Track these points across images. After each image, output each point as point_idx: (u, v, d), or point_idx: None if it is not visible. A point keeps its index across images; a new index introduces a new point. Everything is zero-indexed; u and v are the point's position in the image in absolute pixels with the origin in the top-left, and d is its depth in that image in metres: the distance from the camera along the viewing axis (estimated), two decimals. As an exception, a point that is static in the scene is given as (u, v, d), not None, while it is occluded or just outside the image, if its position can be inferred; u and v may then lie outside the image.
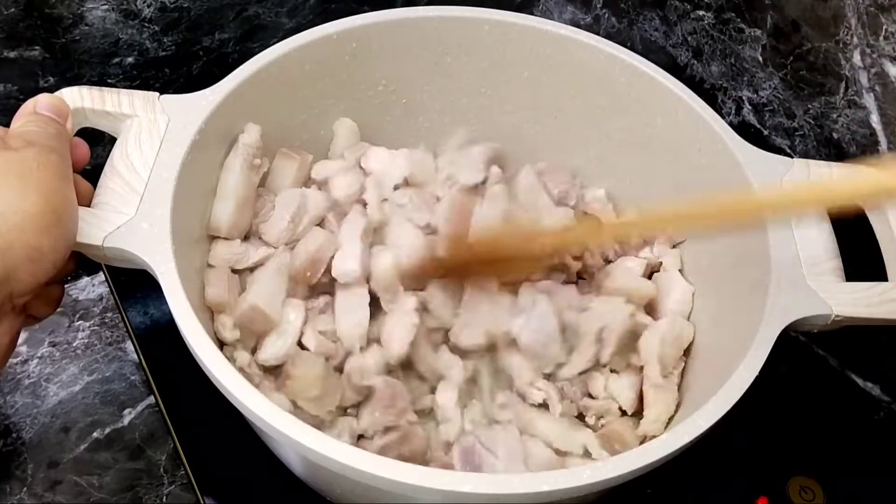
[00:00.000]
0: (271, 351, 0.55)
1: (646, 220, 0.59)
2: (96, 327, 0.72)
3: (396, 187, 0.63)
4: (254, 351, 0.56)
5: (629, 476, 0.42)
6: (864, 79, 0.58)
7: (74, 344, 0.71)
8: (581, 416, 0.57)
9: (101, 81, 0.66)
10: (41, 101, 0.49)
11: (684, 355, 0.58)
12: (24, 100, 0.63)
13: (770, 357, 0.47)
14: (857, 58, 0.58)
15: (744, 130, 0.66)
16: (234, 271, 0.58)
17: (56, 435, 0.65)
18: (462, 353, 0.57)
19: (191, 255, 0.53)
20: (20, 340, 0.70)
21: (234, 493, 0.59)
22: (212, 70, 0.70)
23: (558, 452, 0.53)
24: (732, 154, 0.56)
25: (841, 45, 0.59)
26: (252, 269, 0.58)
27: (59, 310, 0.72)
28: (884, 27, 0.55)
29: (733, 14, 0.66)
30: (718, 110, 0.65)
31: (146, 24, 0.65)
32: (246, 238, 0.60)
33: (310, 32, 0.60)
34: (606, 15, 0.79)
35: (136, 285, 0.69)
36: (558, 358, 0.57)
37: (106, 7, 0.62)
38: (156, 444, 0.65)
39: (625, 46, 0.63)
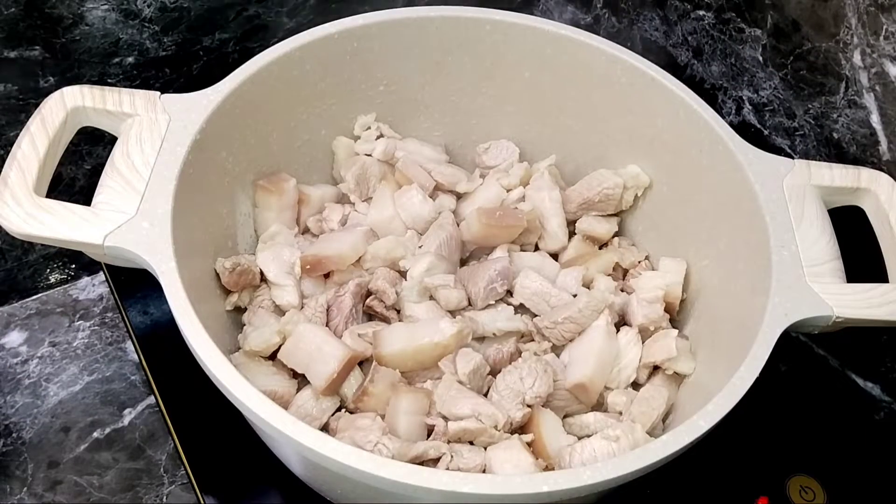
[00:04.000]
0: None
1: None
2: (96, 327, 0.72)
3: None
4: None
5: (629, 476, 0.42)
6: (864, 79, 0.58)
7: (74, 344, 0.71)
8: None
9: (101, 81, 0.66)
10: None
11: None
12: (24, 100, 0.63)
13: (770, 357, 0.47)
14: (857, 58, 0.58)
15: (744, 130, 0.66)
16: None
17: (56, 435, 0.65)
18: None
19: (191, 255, 0.53)
20: (20, 340, 0.70)
21: (234, 493, 0.59)
22: (212, 70, 0.70)
23: None
24: (733, 155, 0.56)
25: (841, 45, 0.59)
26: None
27: (58, 310, 0.73)
28: (884, 27, 0.55)
29: (733, 14, 0.66)
30: (718, 110, 0.65)
31: (146, 24, 0.64)
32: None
33: (310, 32, 0.60)
34: (606, 15, 0.79)
35: (136, 285, 0.69)
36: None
37: (106, 7, 0.62)
38: (156, 444, 0.65)
39: (625, 46, 0.63)
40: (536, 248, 0.66)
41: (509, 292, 0.61)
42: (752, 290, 0.52)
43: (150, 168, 0.51)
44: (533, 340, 0.60)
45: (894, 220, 0.55)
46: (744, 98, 0.69)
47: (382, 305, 0.59)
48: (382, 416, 0.53)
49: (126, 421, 0.66)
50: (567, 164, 0.69)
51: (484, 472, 0.51)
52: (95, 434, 0.65)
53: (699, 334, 0.59)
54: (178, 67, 0.69)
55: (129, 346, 0.70)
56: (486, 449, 0.52)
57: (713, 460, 0.55)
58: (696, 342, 0.59)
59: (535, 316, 0.60)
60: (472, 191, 0.67)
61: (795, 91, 0.64)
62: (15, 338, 0.71)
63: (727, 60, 0.69)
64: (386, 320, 0.60)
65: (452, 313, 0.59)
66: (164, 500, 0.62)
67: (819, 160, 0.60)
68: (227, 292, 0.59)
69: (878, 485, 0.61)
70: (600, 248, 0.67)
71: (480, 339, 0.58)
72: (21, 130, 0.51)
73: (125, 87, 0.56)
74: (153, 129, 0.53)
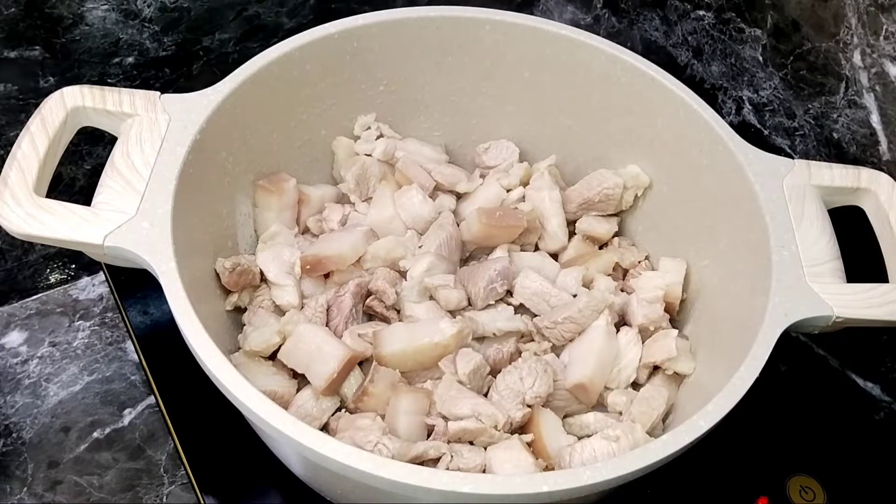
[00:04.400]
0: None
1: None
2: (96, 327, 0.72)
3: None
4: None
5: (629, 476, 0.42)
6: (864, 79, 0.58)
7: (74, 344, 0.71)
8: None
9: (101, 81, 0.66)
10: None
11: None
12: (24, 100, 0.63)
13: (770, 357, 0.47)
14: (857, 58, 0.58)
15: (744, 130, 0.66)
16: None
17: (56, 435, 0.65)
18: None
19: (191, 255, 0.53)
20: (20, 340, 0.70)
21: (234, 493, 0.59)
22: (212, 70, 0.70)
23: None
24: (733, 155, 0.56)
25: (841, 45, 0.59)
26: None
27: (58, 310, 0.73)
28: (884, 27, 0.55)
29: (733, 14, 0.66)
30: (718, 110, 0.65)
31: (146, 24, 0.64)
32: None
33: (310, 32, 0.60)
34: (606, 15, 0.79)
35: (136, 285, 0.69)
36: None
37: (106, 7, 0.62)
38: (156, 444, 0.65)
39: (625, 46, 0.63)
40: (536, 248, 0.66)
41: (509, 292, 0.61)
42: (752, 290, 0.52)
43: (150, 168, 0.51)
44: (533, 340, 0.60)
45: (894, 220, 0.55)
46: (744, 98, 0.69)
47: (382, 305, 0.59)
48: (382, 416, 0.53)
49: (126, 421, 0.66)
50: (567, 164, 0.69)
51: (484, 472, 0.51)
52: (95, 434, 0.65)
53: (699, 334, 0.59)
54: (178, 67, 0.69)
55: (129, 346, 0.70)
56: (486, 449, 0.52)
57: (713, 460, 0.55)
58: (696, 342, 0.59)
59: (535, 316, 0.60)
60: (472, 191, 0.67)
61: (795, 91, 0.64)
62: (15, 338, 0.71)
63: (727, 60, 0.69)
64: (386, 320, 0.60)
65: (452, 313, 0.60)
66: (164, 500, 0.62)
67: (819, 160, 0.60)
68: (227, 292, 0.59)
69: (878, 485, 0.61)
70: (600, 248, 0.67)
71: (480, 339, 0.58)
72: (21, 130, 0.51)
73: (125, 87, 0.56)
74: (153, 129, 0.53)
